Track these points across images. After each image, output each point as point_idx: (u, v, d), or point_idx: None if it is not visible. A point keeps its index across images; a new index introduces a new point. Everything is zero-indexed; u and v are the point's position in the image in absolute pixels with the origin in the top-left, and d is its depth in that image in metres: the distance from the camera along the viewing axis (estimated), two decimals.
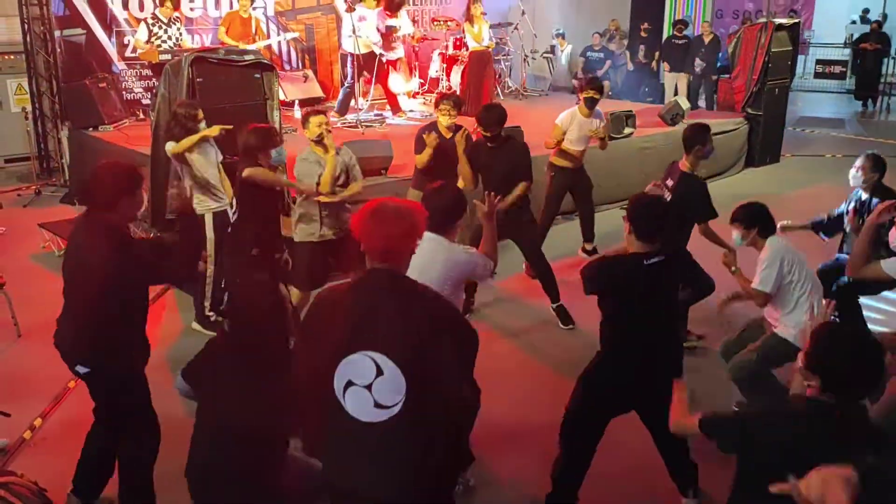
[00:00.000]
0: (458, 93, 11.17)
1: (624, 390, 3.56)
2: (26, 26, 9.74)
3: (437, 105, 6.16)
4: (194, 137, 5.35)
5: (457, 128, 6.02)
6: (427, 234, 3.89)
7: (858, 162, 5.21)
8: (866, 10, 17.15)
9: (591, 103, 6.74)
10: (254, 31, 9.65)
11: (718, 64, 12.60)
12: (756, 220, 4.39)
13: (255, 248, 5.18)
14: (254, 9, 10.06)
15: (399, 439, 2.47)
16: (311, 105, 8.89)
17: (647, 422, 3.68)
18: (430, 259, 3.51)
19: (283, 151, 5.21)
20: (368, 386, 2.45)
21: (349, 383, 2.47)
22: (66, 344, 3.59)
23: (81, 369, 3.55)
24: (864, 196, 5.16)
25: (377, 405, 2.45)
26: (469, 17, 9.74)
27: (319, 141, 5.21)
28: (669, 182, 5.17)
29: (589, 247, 7.24)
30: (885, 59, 15.72)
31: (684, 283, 4.36)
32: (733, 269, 4.46)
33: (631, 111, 9.18)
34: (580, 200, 7.21)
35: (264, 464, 2.95)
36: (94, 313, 3.44)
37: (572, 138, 6.81)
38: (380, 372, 2.44)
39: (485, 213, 3.75)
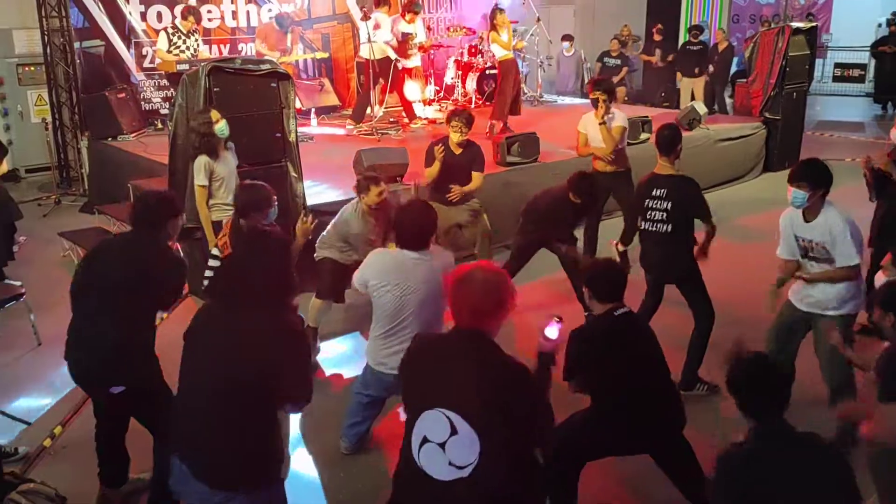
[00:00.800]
0: (472, 101, 11.23)
1: (605, 440, 3.51)
2: (46, 38, 9.87)
3: (448, 121, 6.11)
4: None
5: (468, 143, 5.99)
6: (406, 254, 3.78)
7: None
8: (895, 13, 16.82)
9: (596, 104, 6.63)
10: (289, 43, 9.82)
11: (734, 69, 12.50)
12: (825, 180, 4.09)
13: None
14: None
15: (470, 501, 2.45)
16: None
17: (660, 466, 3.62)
18: (424, 279, 3.64)
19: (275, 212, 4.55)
20: (442, 444, 2.45)
21: (424, 440, 2.48)
22: (95, 370, 3.55)
23: (115, 389, 3.53)
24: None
25: (451, 464, 2.44)
26: (494, 27, 9.68)
27: (375, 210, 5.13)
28: (657, 192, 4.83)
29: (622, 248, 7.15)
30: None
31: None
32: (806, 275, 4.19)
33: (647, 117, 9.14)
34: (620, 204, 7.03)
35: (250, 416, 2.65)
36: (136, 329, 3.51)
37: (591, 138, 6.78)
38: (454, 431, 2.43)
39: None
